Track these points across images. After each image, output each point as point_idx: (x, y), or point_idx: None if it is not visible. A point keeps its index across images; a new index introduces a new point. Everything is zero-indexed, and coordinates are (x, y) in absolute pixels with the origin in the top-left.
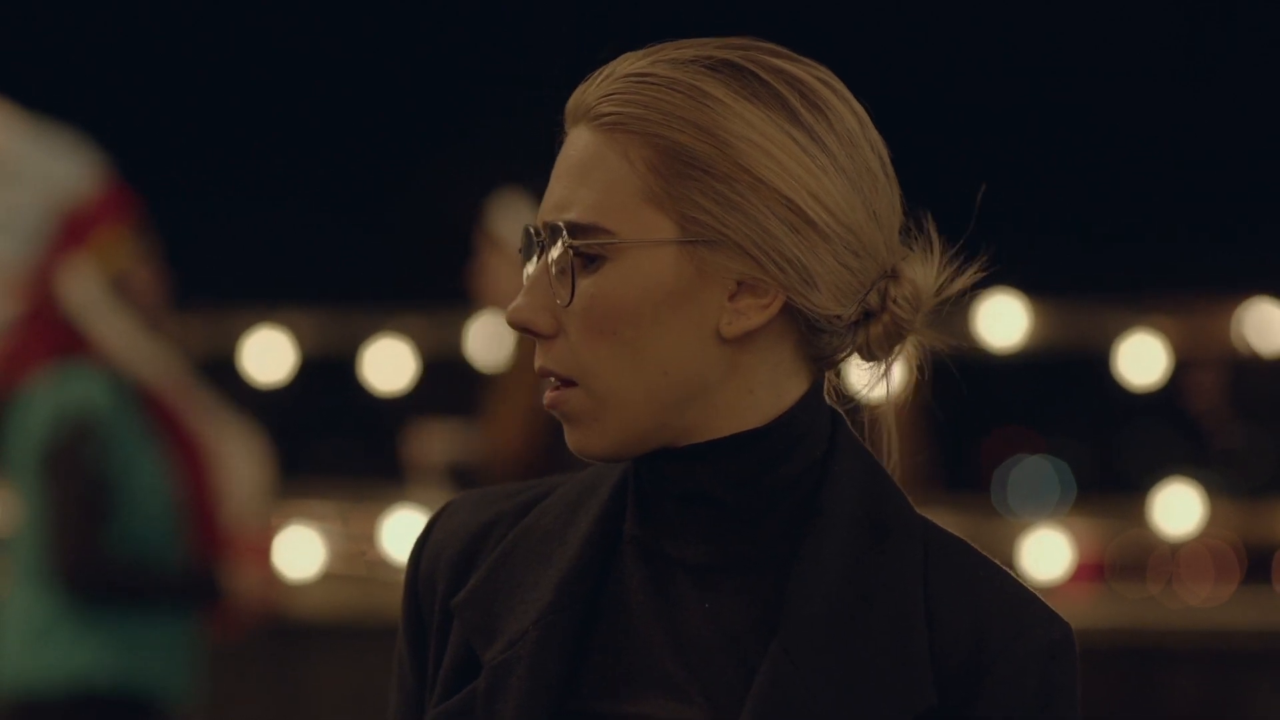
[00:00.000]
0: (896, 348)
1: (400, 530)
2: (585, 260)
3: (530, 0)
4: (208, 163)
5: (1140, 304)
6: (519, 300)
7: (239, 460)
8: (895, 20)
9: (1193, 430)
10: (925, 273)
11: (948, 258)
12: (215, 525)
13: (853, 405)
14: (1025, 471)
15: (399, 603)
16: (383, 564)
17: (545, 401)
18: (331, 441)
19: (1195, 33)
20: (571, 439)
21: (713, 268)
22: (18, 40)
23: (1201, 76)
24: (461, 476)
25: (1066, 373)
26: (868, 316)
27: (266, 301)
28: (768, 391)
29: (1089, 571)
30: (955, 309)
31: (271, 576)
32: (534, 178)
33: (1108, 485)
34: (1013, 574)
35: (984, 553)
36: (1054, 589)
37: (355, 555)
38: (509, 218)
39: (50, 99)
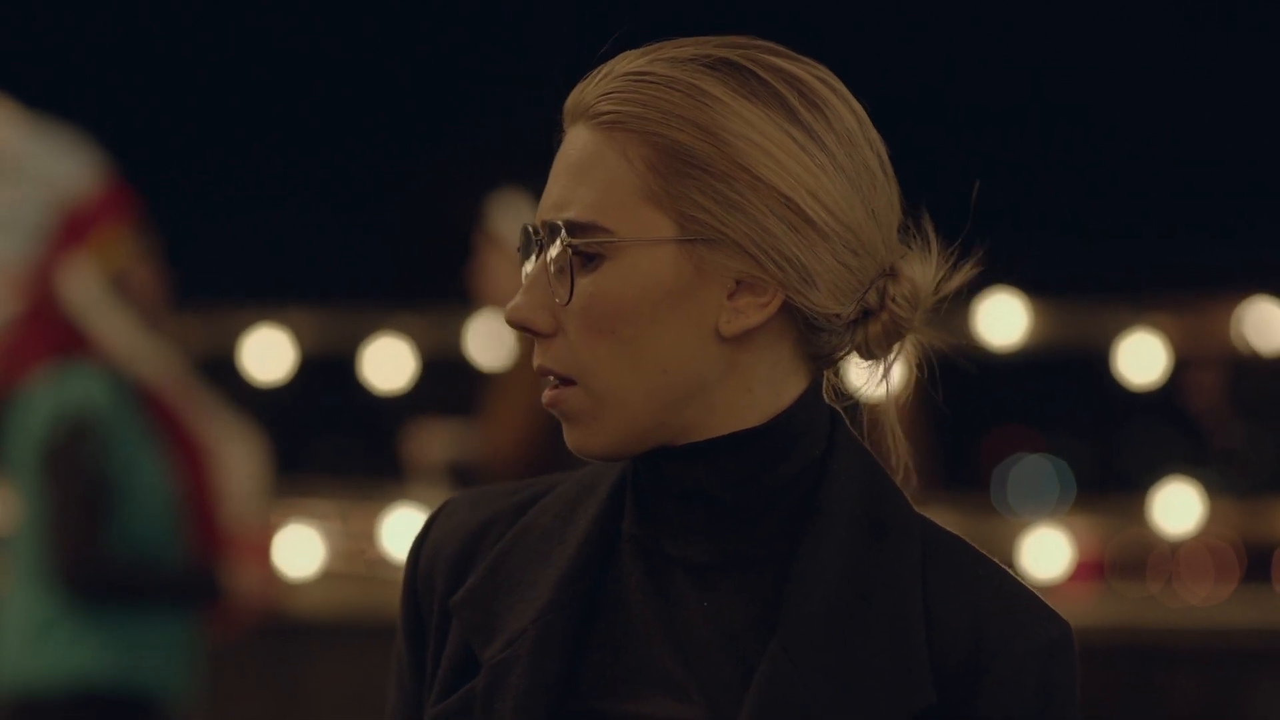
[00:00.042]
0: (895, 346)
1: (400, 529)
2: (584, 259)
3: (530, 0)
4: (208, 162)
5: (1140, 303)
6: (518, 299)
7: (238, 459)
8: (894, 19)
9: (1192, 429)
10: (924, 271)
11: (946, 256)
12: (215, 524)
13: (851, 404)
14: (1025, 470)
15: (398, 601)
16: (382, 563)
17: (544, 400)
18: (331, 440)
19: (1195, 31)
20: (570, 438)
21: (711, 266)
22: (18, 40)
23: (1201, 74)
24: (461, 475)
25: (1066, 371)
26: (866, 315)
27: (266, 300)
28: (766, 390)
29: (1089, 570)
30: (955, 308)
31: (271, 575)
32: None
33: (1107, 484)
34: (1012, 573)
35: (983, 551)
36: (1054, 588)
37: (355, 554)
38: (508, 217)
39: (51, 98)
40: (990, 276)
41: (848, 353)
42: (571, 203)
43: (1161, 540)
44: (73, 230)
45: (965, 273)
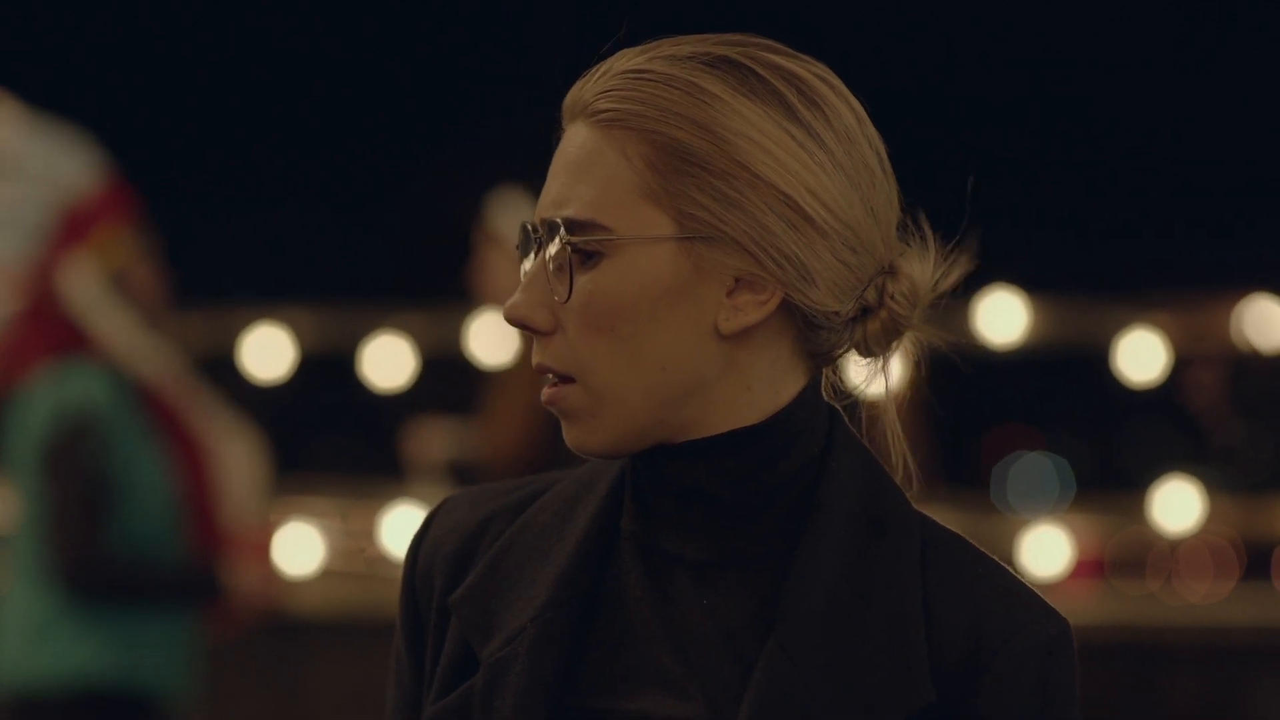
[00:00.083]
0: (894, 344)
1: (399, 527)
2: (583, 257)
3: (530, 0)
4: (208, 160)
5: (1140, 301)
6: (516, 297)
7: (238, 457)
8: (893, 16)
9: (1192, 427)
10: (923, 269)
11: (945, 253)
12: (215, 522)
13: (851, 402)
14: (1025, 468)
15: (398, 599)
16: (382, 561)
17: (543, 398)
18: (331, 438)
19: (1194, 28)
20: (569, 435)
21: (710, 264)
22: (19, 38)
23: (1200, 72)
24: (461, 473)
25: (1066, 369)
26: (865, 312)
27: (266, 298)
28: (765, 388)
29: (1088, 568)
30: (955, 305)
31: (271, 573)
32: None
33: (1107, 482)
34: (1011, 570)
35: (982, 549)
36: (1053, 586)
37: (355, 552)
38: (508, 215)
39: (51, 96)
40: (990, 274)
41: (846, 350)
42: (570, 200)
43: (1161, 538)
44: (73, 229)
45: (963, 270)
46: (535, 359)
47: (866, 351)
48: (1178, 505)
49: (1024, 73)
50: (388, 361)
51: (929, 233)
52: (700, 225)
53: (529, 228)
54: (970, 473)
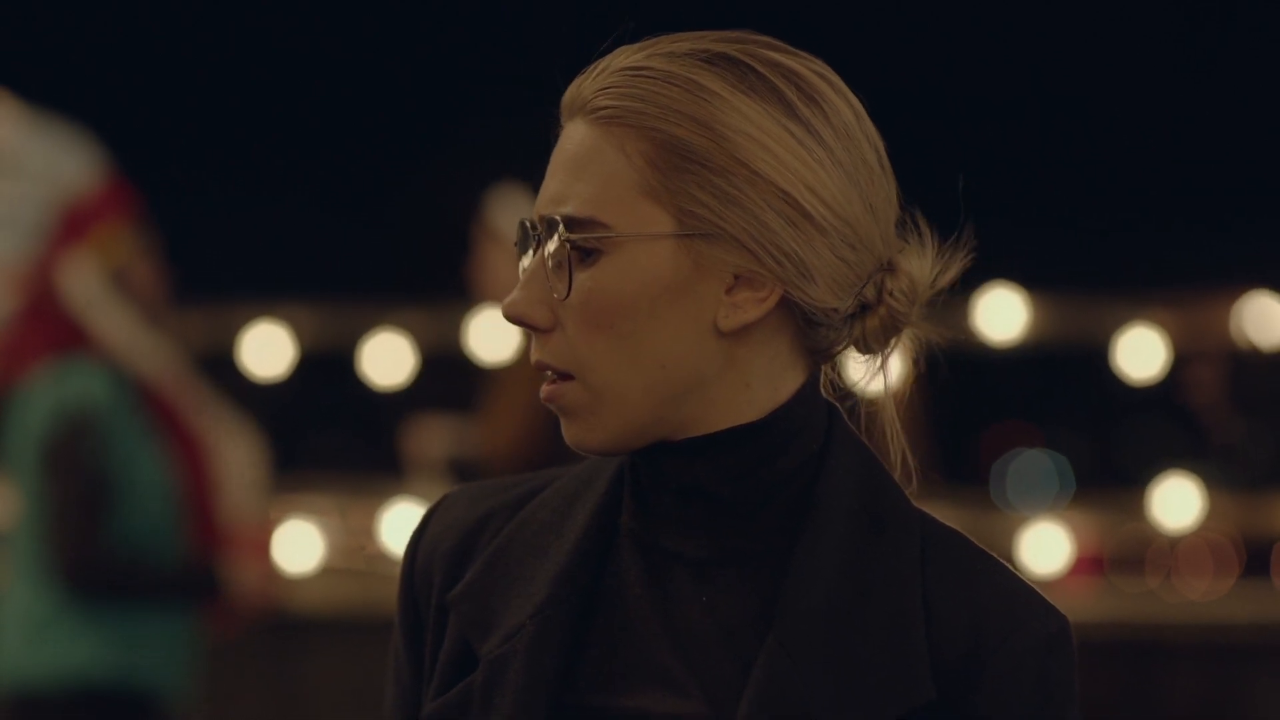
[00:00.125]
0: (893, 341)
1: (399, 524)
2: (582, 254)
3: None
4: (207, 158)
5: (1139, 298)
6: (515, 294)
7: (238, 455)
8: (892, 13)
9: (1192, 424)
10: (921, 265)
11: (944, 250)
12: (214, 520)
13: (851, 400)
14: (1024, 465)
15: (397, 597)
16: (382, 558)
17: (542, 395)
18: (330, 436)
19: (1193, 26)
20: (568, 433)
21: (710, 261)
22: (18, 37)
23: (1200, 70)
24: (460, 471)
25: (1065, 367)
26: (864, 309)
27: (266, 296)
28: (764, 385)
29: (1088, 565)
30: (954, 302)
31: (270, 571)
32: (532, 172)
33: (1106, 479)
34: (1010, 567)
35: (982, 546)
36: (1053, 583)
37: (354, 550)
38: (507, 212)
39: (51, 94)
40: (989, 271)
41: (845, 347)
42: (569, 198)
43: (1161, 535)
44: (73, 227)
45: (962, 267)
46: (534, 356)
47: (865, 348)
48: (1177, 502)
49: (1023, 70)
50: (387, 359)
51: (928, 230)
52: (699, 222)
53: (528, 225)
54: (969, 470)
